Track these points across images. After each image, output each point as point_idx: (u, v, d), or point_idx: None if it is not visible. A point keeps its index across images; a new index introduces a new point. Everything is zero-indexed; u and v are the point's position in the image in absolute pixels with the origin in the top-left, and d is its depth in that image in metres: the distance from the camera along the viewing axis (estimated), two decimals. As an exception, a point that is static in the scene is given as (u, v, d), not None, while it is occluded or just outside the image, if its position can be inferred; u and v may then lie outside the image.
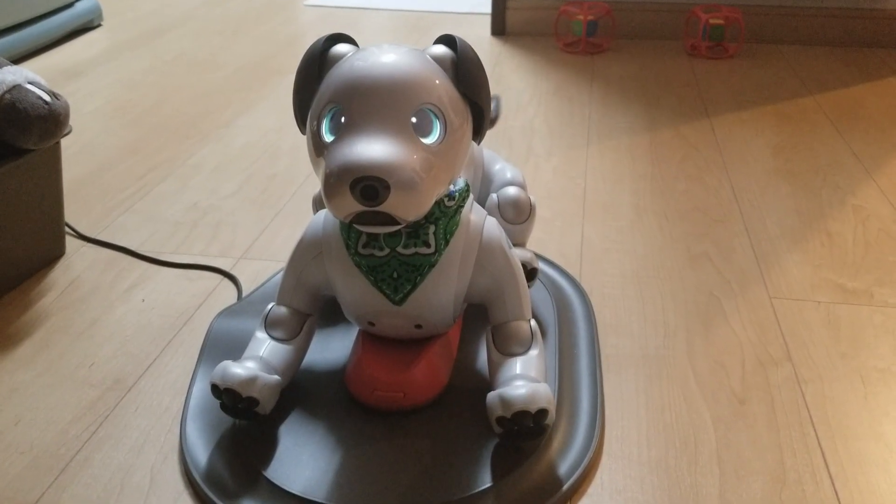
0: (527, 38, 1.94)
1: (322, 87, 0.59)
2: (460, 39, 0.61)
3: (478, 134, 0.64)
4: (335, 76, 0.59)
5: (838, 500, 0.63)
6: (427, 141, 0.57)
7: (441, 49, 0.62)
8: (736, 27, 1.78)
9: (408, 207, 0.55)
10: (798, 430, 0.70)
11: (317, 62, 0.60)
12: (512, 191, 0.82)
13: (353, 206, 0.55)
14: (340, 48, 0.62)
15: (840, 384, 0.76)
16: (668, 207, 1.10)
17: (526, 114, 1.45)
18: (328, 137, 0.57)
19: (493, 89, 1.58)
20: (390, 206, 0.54)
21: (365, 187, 0.53)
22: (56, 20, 1.89)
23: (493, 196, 0.82)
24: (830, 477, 0.65)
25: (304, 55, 0.61)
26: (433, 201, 0.58)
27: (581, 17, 1.78)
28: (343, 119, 0.57)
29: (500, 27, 1.96)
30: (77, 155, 1.28)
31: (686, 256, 0.98)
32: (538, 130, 1.37)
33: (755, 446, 0.68)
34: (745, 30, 1.79)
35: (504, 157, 1.26)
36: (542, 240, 1.01)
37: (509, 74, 1.67)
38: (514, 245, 0.83)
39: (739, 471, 0.66)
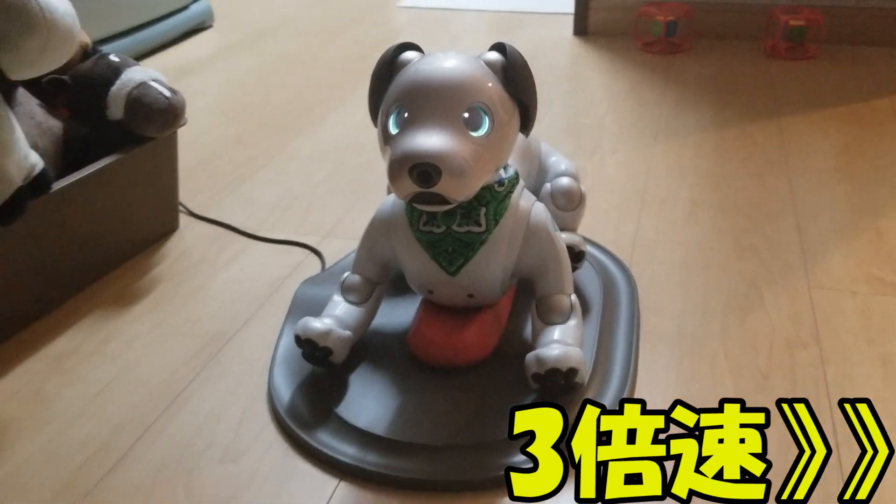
0: (607, 37, 2.01)
1: (390, 89, 0.71)
2: (510, 46, 0.71)
3: (525, 128, 0.74)
4: (400, 80, 0.70)
5: (840, 463, 0.70)
6: (476, 134, 0.68)
7: (493, 55, 0.72)
8: (816, 28, 1.80)
9: (457, 189, 0.66)
10: (814, 403, 0.77)
11: (387, 68, 0.72)
12: (564, 181, 0.91)
13: (411, 187, 0.66)
14: (407, 55, 0.73)
15: (862, 367, 0.82)
16: (723, 202, 1.17)
17: (597, 111, 1.53)
18: (393, 130, 0.69)
19: (570, 89, 1.67)
20: (442, 188, 0.65)
21: (421, 172, 0.64)
22: (172, 22, 2.08)
23: (547, 185, 0.92)
24: (837, 442, 0.72)
25: (377, 62, 0.73)
26: (480, 185, 0.69)
27: (660, 17, 1.84)
28: (406, 115, 0.68)
29: (581, 27, 2.03)
30: (190, 145, 1.44)
31: (734, 248, 1.05)
32: (607, 127, 1.45)
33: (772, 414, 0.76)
34: (825, 31, 1.81)
35: (569, 152, 1.34)
36: (596, 228, 1.10)
37: (586, 73, 1.75)
38: (565, 230, 0.92)
39: (752, 434, 0.73)
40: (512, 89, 0.71)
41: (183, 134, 1.10)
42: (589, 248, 1.01)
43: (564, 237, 0.90)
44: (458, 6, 2.39)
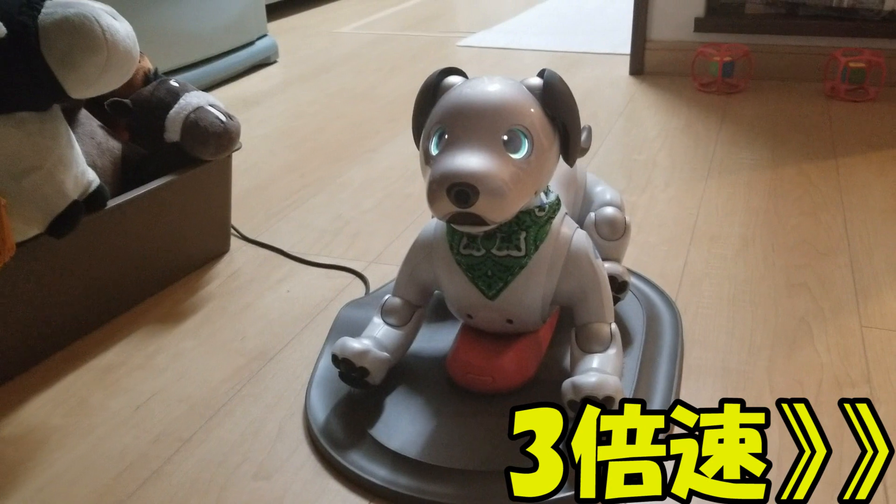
0: (664, 77, 2.00)
1: (433, 111, 0.72)
2: (549, 71, 0.72)
3: (568, 156, 0.74)
4: (443, 102, 0.71)
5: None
6: (516, 156, 0.68)
7: (535, 80, 0.72)
8: (877, 71, 1.77)
9: (494, 211, 0.66)
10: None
11: (431, 91, 0.73)
12: (609, 210, 0.91)
13: (449, 207, 0.66)
14: (451, 79, 0.74)
15: (916, 408, 0.79)
16: (775, 240, 1.14)
17: (651, 148, 1.52)
18: (434, 151, 0.69)
19: (625, 126, 1.66)
20: (479, 208, 0.65)
21: (458, 192, 0.65)
22: (239, 56, 2.15)
23: (591, 214, 0.91)
24: (886, 496, 0.69)
25: (422, 85, 0.74)
26: (518, 208, 0.69)
27: (717, 58, 1.83)
28: (446, 136, 0.68)
29: (638, 66, 2.03)
30: (248, 171, 1.48)
31: (785, 285, 1.02)
32: (660, 164, 1.44)
33: (816, 454, 0.73)
34: (887, 74, 1.78)
35: (621, 187, 1.34)
36: (645, 262, 1.09)
37: (641, 111, 1.75)
38: (609, 260, 0.91)
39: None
40: (550, 111, 0.71)
41: (241, 160, 1.13)
42: (634, 281, 1.00)
43: (607, 266, 0.90)
44: (517, 46, 2.42)
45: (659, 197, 1.30)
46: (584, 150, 0.86)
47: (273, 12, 3.14)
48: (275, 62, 2.34)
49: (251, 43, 2.22)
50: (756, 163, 1.43)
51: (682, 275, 1.06)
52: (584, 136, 0.96)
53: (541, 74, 0.73)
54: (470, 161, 0.65)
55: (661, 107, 1.78)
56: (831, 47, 1.87)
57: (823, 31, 1.87)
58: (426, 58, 2.33)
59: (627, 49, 2.05)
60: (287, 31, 2.80)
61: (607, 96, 1.87)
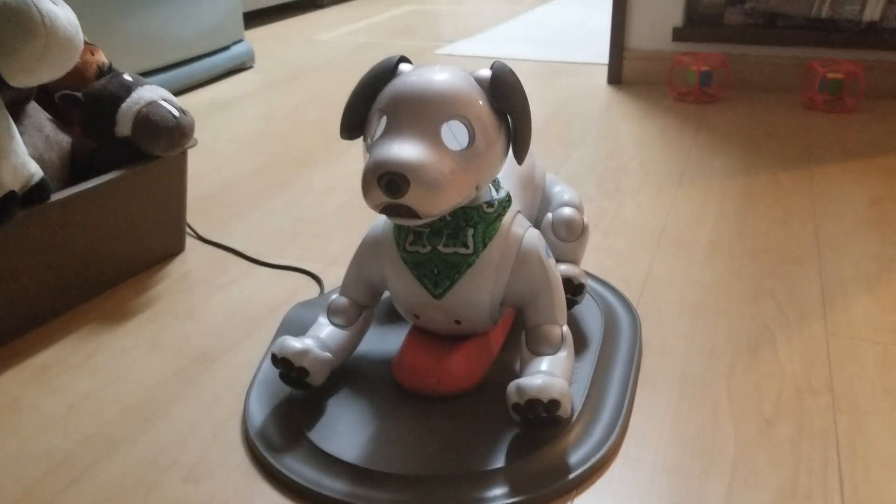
0: (642, 86, 1.98)
1: (378, 98, 0.69)
2: (499, 63, 0.69)
3: (517, 152, 0.71)
4: (388, 89, 0.68)
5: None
6: (454, 148, 0.65)
7: (484, 72, 0.70)
8: (855, 82, 1.75)
9: (426, 203, 0.63)
10: (821, 453, 0.71)
11: (384, 77, 0.69)
12: (567, 211, 0.88)
13: (381, 197, 0.63)
14: (402, 67, 0.71)
15: (877, 418, 0.76)
16: (744, 246, 1.12)
17: (624, 156, 1.50)
18: (373, 139, 0.67)
19: (599, 134, 1.64)
20: (410, 200, 0.62)
21: (389, 182, 0.62)
22: (214, 60, 2.13)
23: (549, 215, 0.89)
24: (843, 498, 0.66)
25: (374, 68, 0.70)
26: (455, 202, 0.66)
27: (695, 67, 1.82)
28: (386, 123, 0.66)
29: (616, 75, 2.02)
30: (211, 172, 1.45)
31: (751, 291, 1.00)
32: (631, 171, 1.42)
33: (772, 462, 0.70)
34: (865, 85, 1.76)
35: (591, 192, 1.31)
36: (609, 267, 1.06)
37: (617, 119, 1.73)
38: (567, 262, 0.88)
39: (750, 482, 0.68)
40: (498, 105, 0.68)
41: (207, 162, 1.10)
42: (594, 285, 0.97)
43: (563, 269, 0.87)
44: (495, 55, 2.40)
45: (628, 203, 1.28)
46: None
47: (253, 20, 3.12)
48: (251, 67, 2.31)
49: (227, 47, 2.19)
50: (729, 171, 1.41)
51: (646, 280, 1.03)
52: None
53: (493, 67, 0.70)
54: (403, 150, 0.62)
55: (637, 115, 1.76)
56: (809, 58, 1.85)
57: (802, 42, 1.86)
58: (405, 65, 2.31)
59: (606, 59, 2.04)
60: (266, 38, 2.78)
61: (584, 105, 1.85)
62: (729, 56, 1.91)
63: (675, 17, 1.95)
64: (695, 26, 1.95)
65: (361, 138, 0.71)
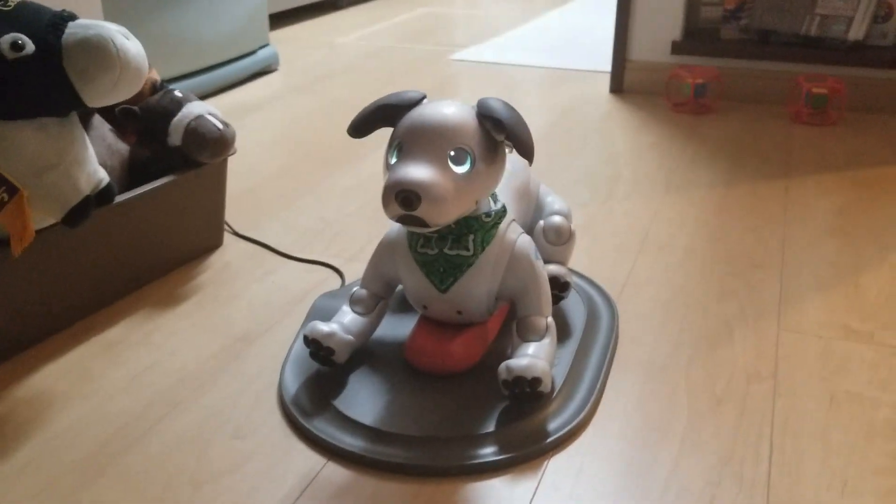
0: (641, 96, 2.12)
1: (398, 125, 0.84)
2: (482, 101, 0.83)
3: (524, 157, 0.84)
4: (405, 120, 0.83)
5: (769, 480, 0.79)
6: (459, 170, 0.80)
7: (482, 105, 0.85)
8: (838, 96, 1.89)
9: (434, 215, 0.78)
10: (757, 428, 0.86)
11: (407, 108, 0.84)
12: (556, 219, 1.03)
13: (397, 210, 0.78)
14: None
15: (809, 400, 0.91)
16: (716, 251, 1.26)
17: (618, 163, 1.64)
18: (392, 161, 0.82)
19: (597, 141, 1.79)
20: (421, 212, 0.78)
21: (404, 198, 0.77)
22: (241, 64, 2.28)
23: (541, 222, 1.04)
24: (770, 462, 0.81)
25: (402, 98, 0.84)
26: (458, 214, 0.81)
27: (690, 80, 1.96)
28: (403, 149, 0.81)
29: (617, 85, 2.16)
30: (243, 173, 1.60)
31: (717, 292, 1.14)
32: (624, 177, 1.56)
33: (716, 434, 0.85)
34: (847, 99, 1.90)
35: (584, 198, 1.46)
36: (595, 266, 1.21)
37: (614, 128, 1.87)
38: (555, 263, 1.03)
39: (696, 448, 0.83)
40: (489, 129, 0.83)
41: (238, 163, 1.25)
42: (580, 282, 1.12)
43: (551, 268, 1.02)
44: (506, 61, 2.54)
45: (617, 208, 1.42)
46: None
47: (275, 22, 3.27)
48: (275, 70, 2.46)
49: (253, 52, 2.34)
50: (712, 180, 1.55)
51: (627, 279, 1.18)
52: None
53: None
54: (417, 172, 0.78)
55: (635, 124, 1.90)
56: (798, 73, 1.99)
57: (791, 58, 2.00)
58: (420, 71, 2.45)
59: (609, 67, 2.18)
60: (288, 41, 2.93)
61: (586, 112, 2.00)
62: (723, 69, 2.04)
63: (675, 31, 2.09)
64: (692, 40, 2.09)
65: (383, 159, 0.86)
